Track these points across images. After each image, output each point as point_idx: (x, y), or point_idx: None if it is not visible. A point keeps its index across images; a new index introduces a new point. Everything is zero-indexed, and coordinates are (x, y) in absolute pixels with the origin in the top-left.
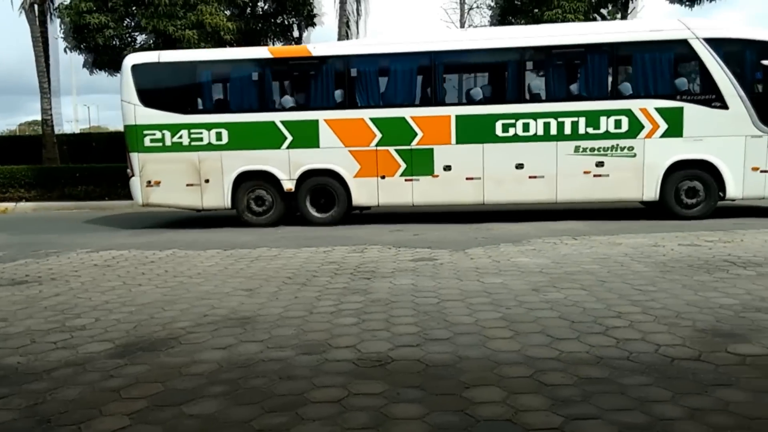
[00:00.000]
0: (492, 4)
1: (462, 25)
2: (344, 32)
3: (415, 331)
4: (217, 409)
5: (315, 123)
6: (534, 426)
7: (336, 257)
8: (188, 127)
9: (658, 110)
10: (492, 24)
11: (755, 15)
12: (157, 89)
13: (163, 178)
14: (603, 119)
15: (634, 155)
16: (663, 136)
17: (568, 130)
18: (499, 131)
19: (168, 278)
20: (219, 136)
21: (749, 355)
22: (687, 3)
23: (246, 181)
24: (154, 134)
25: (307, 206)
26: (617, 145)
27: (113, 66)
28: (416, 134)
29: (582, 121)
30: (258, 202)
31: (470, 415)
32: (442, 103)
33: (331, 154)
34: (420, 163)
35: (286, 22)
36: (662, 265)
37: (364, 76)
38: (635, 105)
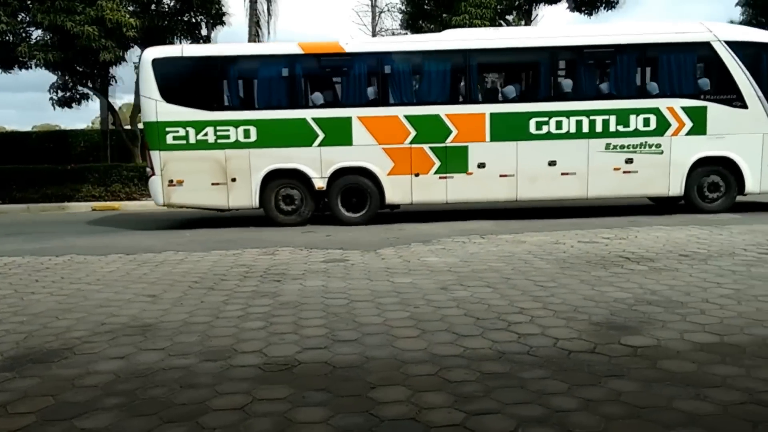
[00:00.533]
0: (403, 8)
1: (374, 28)
2: (254, 32)
3: (323, 333)
4: (111, 422)
5: (348, 120)
6: (437, 423)
7: (246, 260)
8: (214, 124)
9: (684, 109)
10: (403, 27)
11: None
12: (180, 84)
13: (187, 177)
14: (632, 117)
15: (662, 152)
16: (688, 133)
17: (599, 128)
18: (532, 129)
19: (64, 285)
20: (247, 134)
21: (640, 346)
22: (586, 11)
23: (274, 179)
24: (177, 131)
25: (339, 205)
26: (646, 142)
27: (6, 63)
28: (451, 132)
29: (612, 119)
30: (287, 201)
31: (375, 415)
32: (477, 101)
33: (365, 151)
34: (454, 161)
35: (194, 20)
36: (562, 262)
37: (398, 73)
38: (663, 104)
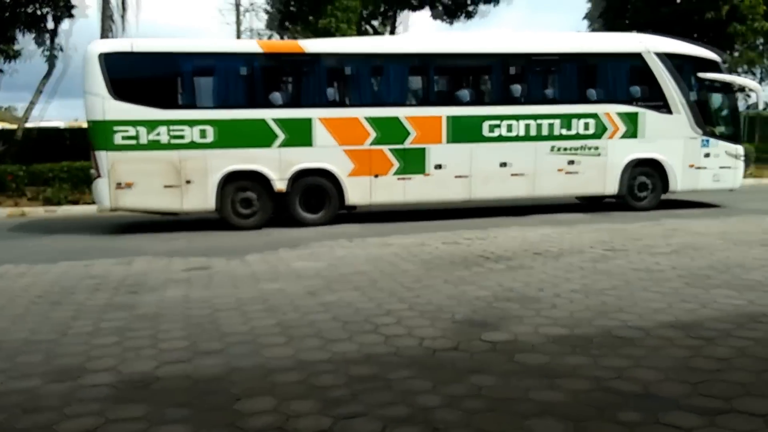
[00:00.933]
0: (268, 8)
1: (238, 27)
2: (108, 26)
3: (184, 346)
4: None
5: (309, 121)
6: (304, 430)
7: (98, 271)
8: (168, 123)
9: (619, 114)
10: (270, 28)
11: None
12: (131, 81)
13: (137, 180)
14: (574, 121)
15: (599, 154)
16: (622, 137)
17: (545, 132)
18: (486, 131)
19: None
20: (203, 134)
21: (499, 341)
22: (447, 20)
23: (232, 181)
24: (127, 131)
25: (298, 207)
26: (586, 145)
27: None
28: (409, 134)
29: (557, 123)
30: (245, 204)
31: (240, 427)
32: (434, 104)
33: (325, 153)
34: (413, 162)
35: (39, 13)
36: (427, 263)
37: (358, 75)
38: (601, 109)
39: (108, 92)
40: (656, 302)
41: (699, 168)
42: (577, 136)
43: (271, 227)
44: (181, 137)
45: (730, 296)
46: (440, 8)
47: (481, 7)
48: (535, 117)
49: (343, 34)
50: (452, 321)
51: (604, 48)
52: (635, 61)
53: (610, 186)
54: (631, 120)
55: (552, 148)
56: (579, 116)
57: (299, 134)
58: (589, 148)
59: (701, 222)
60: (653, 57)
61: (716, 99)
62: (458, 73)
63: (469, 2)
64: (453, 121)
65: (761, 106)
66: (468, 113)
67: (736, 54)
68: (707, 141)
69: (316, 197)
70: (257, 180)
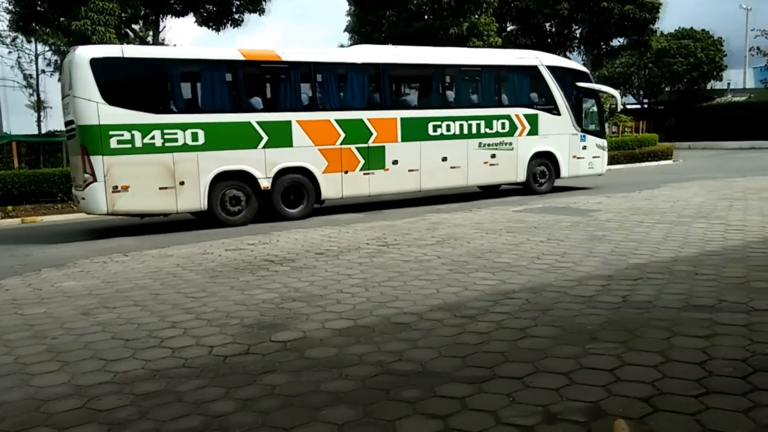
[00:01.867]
0: (11, 7)
1: None
2: None
3: None
4: None
5: (288, 123)
6: None
7: None
8: (161, 127)
9: (525, 116)
10: (12, 29)
11: (272, 41)
12: (124, 86)
13: (133, 183)
14: (494, 122)
15: (512, 149)
16: (528, 134)
17: (474, 131)
18: (430, 131)
19: None
20: (195, 137)
21: (289, 340)
22: (213, 27)
23: (221, 181)
24: (122, 135)
25: (280, 203)
26: (503, 141)
27: None
28: (372, 134)
29: (482, 123)
30: (233, 202)
31: None
32: (390, 107)
33: (303, 152)
34: (375, 159)
35: None
36: (212, 271)
37: (327, 81)
38: (512, 112)
39: (101, 97)
40: (426, 288)
41: (579, 158)
42: (496, 134)
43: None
44: (175, 140)
45: (486, 278)
46: (205, 15)
47: (247, 15)
48: (466, 118)
49: (101, 39)
50: (241, 326)
51: (511, 61)
52: (533, 72)
53: (521, 175)
54: (533, 120)
55: (479, 144)
56: (497, 117)
57: (280, 136)
58: (505, 144)
59: (459, 215)
60: (545, 69)
61: (588, 103)
62: (407, 81)
63: (234, 10)
64: (404, 122)
65: (619, 108)
66: (416, 115)
67: None
68: (583, 136)
69: (296, 193)
70: (244, 179)
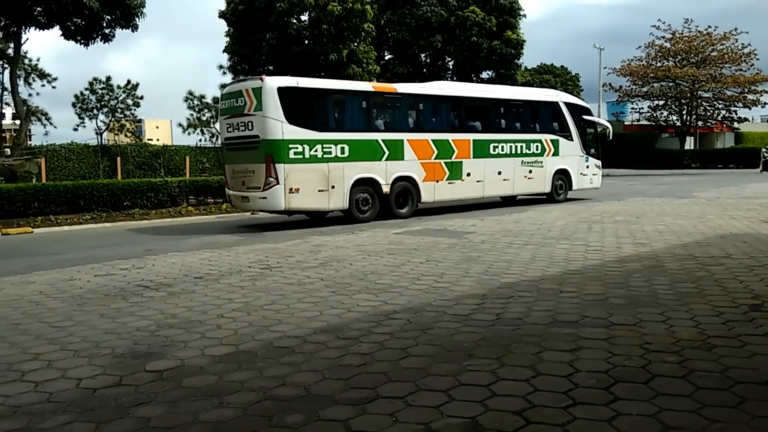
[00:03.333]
0: None
1: None
2: None
3: None
4: None
5: (402, 142)
6: None
7: None
8: (321, 142)
9: (550, 140)
10: None
11: (145, 59)
12: (298, 109)
13: (302, 186)
14: (531, 145)
15: (542, 166)
16: (552, 155)
17: (518, 151)
18: (491, 150)
19: None
20: (343, 150)
21: (165, 369)
22: (82, 41)
23: (356, 186)
24: (297, 148)
25: (394, 205)
26: (536, 160)
27: None
28: (454, 151)
29: (523, 145)
30: (363, 203)
31: None
32: (466, 131)
33: (410, 165)
34: (455, 171)
35: None
36: (79, 298)
37: (425, 109)
38: (542, 137)
39: (284, 117)
40: (309, 311)
41: (583, 175)
42: (533, 154)
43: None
44: (330, 153)
45: (368, 299)
46: (72, 28)
47: (118, 31)
48: (513, 141)
49: None
50: (112, 356)
51: (542, 97)
52: (555, 107)
53: (547, 187)
54: (555, 144)
55: (521, 162)
56: (533, 141)
57: (396, 151)
58: (538, 162)
59: (341, 237)
60: (563, 104)
61: (589, 132)
62: (475, 111)
63: (105, 24)
64: (475, 143)
65: (610, 137)
66: (482, 138)
67: None
68: (587, 158)
69: (403, 197)
70: (371, 185)
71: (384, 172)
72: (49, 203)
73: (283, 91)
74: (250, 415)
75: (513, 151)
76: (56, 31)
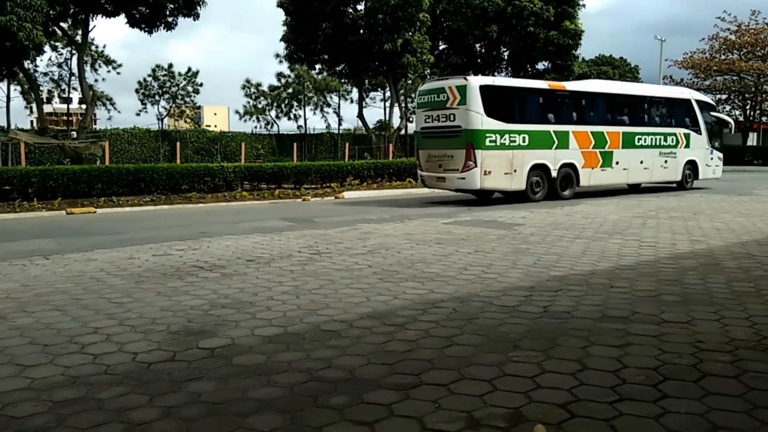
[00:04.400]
0: None
1: None
2: None
3: None
4: None
5: (567, 133)
6: None
7: None
8: (509, 132)
9: (683, 134)
10: None
11: (205, 47)
12: (493, 104)
13: (493, 169)
14: (668, 137)
15: (675, 157)
16: (684, 147)
17: (657, 143)
18: (636, 142)
19: None
20: (524, 140)
21: (217, 347)
22: (146, 29)
23: (531, 171)
24: (491, 137)
25: (559, 187)
26: (671, 151)
27: None
28: (607, 142)
29: (661, 138)
30: (536, 185)
31: None
32: (616, 124)
33: (573, 153)
34: (607, 160)
35: None
36: (137, 276)
37: (587, 104)
38: (677, 131)
39: (483, 111)
40: (356, 297)
41: (708, 166)
42: (669, 146)
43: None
44: (514, 141)
45: (415, 287)
46: (137, 16)
47: (180, 19)
48: (653, 134)
49: (27, 35)
50: (167, 332)
51: (677, 95)
52: (688, 104)
53: (679, 176)
54: (687, 137)
55: (659, 153)
56: (669, 134)
57: (563, 141)
58: (672, 153)
59: (390, 226)
60: (694, 101)
61: (715, 127)
62: (623, 106)
63: (168, 13)
64: (624, 135)
65: (732, 132)
66: (629, 130)
67: (410, 82)
68: (711, 150)
69: (565, 181)
70: (543, 170)
71: (553, 159)
72: (112, 185)
73: (482, 88)
74: (296, 394)
75: (653, 143)
76: (122, 19)
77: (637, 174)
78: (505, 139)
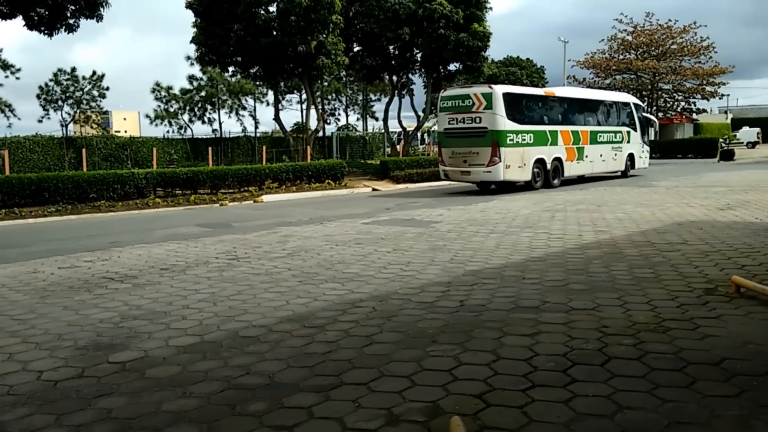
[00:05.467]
0: None
1: None
2: None
3: None
4: None
5: (557, 132)
6: None
7: None
8: (522, 132)
9: (627, 131)
10: None
11: (111, 50)
12: (512, 108)
13: (511, 163)
14: (617, 134)
15: (621, 151)
16: (627, 142)
17: (611, 139)
18: (597, 139)
19: None
20: (531, 138)
21: (128, 360)
22: (45, 32)
23: (534, 164)
24: (510, 136)
25: (551, 177)
26: (620, 146)
27: None
28: (580, 139)
29: (614, 135)
30: (537, 176)
31: None
32: (585, 124)
33: (560, 149)
34: (580, 154)
35: None
36: (42, 291)
37: (568, 107)
38: (622, 129)
39: (505, 114)
40: (276, 301)
41: (641, 157)
42: (618, 142)
43: None
44: (524, 140)
45: (335, 288)
46: (36, 18)
47: (83, 21)
48: (608, 132)
49: None
50: (75, 348)
51: (622, 99)
52: (629, 105)
53: (622, 166)
54: (628, 134)
55: (611, 147)
56: (618, 132)
57: (554, 139)
58: (619, 148)
59: (310, 228)
60: (632, 103)
61: (645, 124)
62: (591, 108)
63: (69, 14)
64: (590, 133)
65: (656, 129)
66: (593, 129)
67: (326, 84)
68: (643, 145)
69: (555, 172)
70: (541, 163)
71: (548, 154)
72: (13, 196)
73: (504, 95)
74: (213, 404)
75: (608, 139)
76: (19, 21)
77: (598, 165)
78: (519, 138)
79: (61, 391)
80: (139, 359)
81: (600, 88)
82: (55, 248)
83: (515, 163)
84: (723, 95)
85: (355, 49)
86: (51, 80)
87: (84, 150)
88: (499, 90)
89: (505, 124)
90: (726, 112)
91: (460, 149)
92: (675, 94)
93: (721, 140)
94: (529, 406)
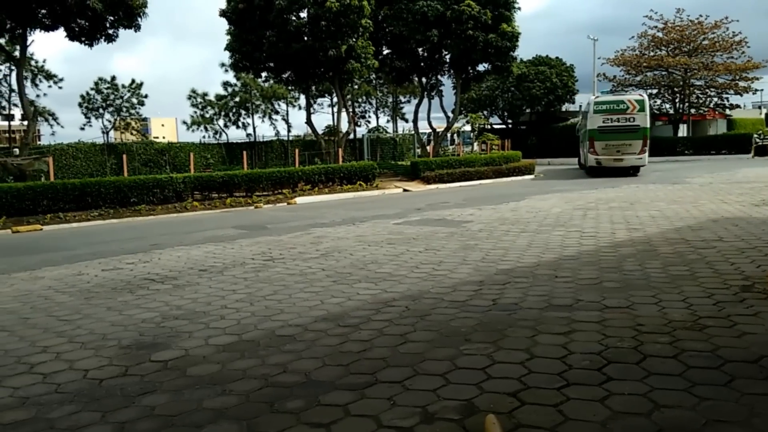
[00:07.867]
0: None
1: None
2: None
3: None
4: None
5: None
6: None
7: None
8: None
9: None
10: None
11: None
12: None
13: (647, 152)
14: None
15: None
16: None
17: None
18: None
19: None
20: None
21: (170, 359)
22: (86, 42)
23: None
24: (649, 131)
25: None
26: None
27: None
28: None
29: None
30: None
31: None
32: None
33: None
34: (646, 146)
35: None
36: (87, 292)
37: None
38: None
39: (649, 115)
40: (311, 300)
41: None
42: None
43: None
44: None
45: (368, 288)
46: (77, 30)
47: (122, 31)
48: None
49: None
50: (118, 347)
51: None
52: (640, 103)
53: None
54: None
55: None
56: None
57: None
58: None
59: (342, 229)
60: (646, 100)
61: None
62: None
63: (108, 25)
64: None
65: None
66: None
67: (356, 87)
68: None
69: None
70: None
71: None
72: (58, 201)
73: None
74: (252, 401)
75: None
76: (61, 32)
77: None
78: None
79: (106, 389)
80: (180, 358)
81: (630, 85)
82: (99, 251)
83: (647, 151)
84: (757, 90)
85: (385, 52)
86: (92, 89)
87: (124, 156)
88: (645, 96)
89: (649, 122)
90: (760, 107)
91: (614, 142)
92: (708, 90)
93: (755, 136)
94: (564, 404)
